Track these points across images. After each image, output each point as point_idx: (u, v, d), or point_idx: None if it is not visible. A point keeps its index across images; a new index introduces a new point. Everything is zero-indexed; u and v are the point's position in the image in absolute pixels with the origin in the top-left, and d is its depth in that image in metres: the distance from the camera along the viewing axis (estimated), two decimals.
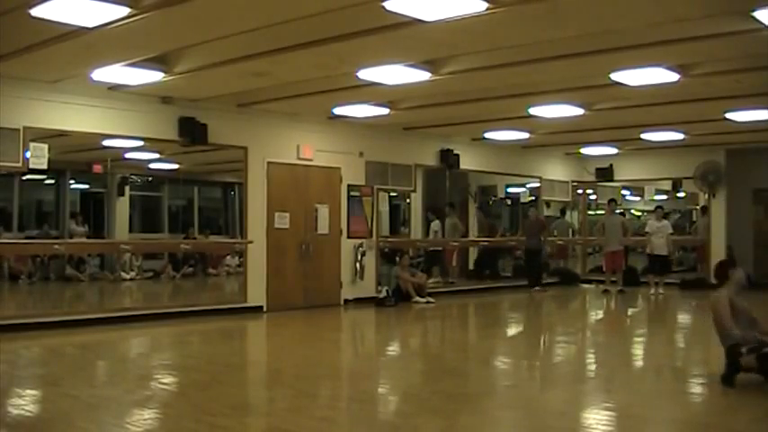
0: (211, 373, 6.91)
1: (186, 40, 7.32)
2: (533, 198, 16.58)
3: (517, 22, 6.50)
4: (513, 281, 15.44)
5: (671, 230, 14.19)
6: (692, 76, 8.32)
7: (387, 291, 12.19)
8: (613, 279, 14.37)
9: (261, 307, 11.04)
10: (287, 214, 11.41)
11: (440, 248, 15.42)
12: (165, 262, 15.90)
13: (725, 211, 15.22)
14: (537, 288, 14.29)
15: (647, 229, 14.32)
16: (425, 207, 15.84)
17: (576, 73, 8.52)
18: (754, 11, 6.06)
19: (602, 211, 18.55)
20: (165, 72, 8.23)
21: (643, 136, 13.32)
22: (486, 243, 16.65)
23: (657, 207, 14.96)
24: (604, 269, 14.92)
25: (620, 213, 15.82)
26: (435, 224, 15.32)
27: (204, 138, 10.36)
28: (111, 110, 9.60)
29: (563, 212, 17.66)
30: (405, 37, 6.85)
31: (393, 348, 9.39)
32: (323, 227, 11.88)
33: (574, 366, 7.72)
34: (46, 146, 9.14)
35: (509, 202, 19.30)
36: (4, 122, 8.65)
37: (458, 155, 13.93)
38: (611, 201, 14.84)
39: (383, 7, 5.87)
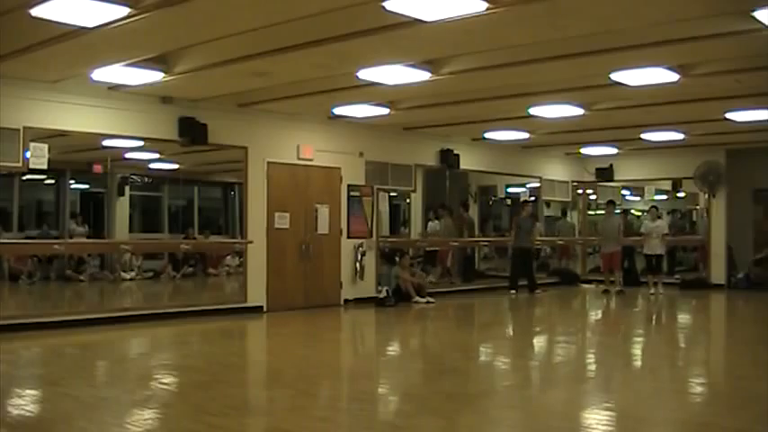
0: (211, 373, 6.92)
1: (186, 40, 7.32)
2: (533, 198, 16.53)
3: (517, 22, 6.50)
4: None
5: (666, 230, 14.18)
6: (692, 76, 8.32)
7: (387, 291, 12.19)
8: (612, 279, 14.33)
9: (261, 307, 11.05)
10: (287, 214, 11.41)
11: (436, 249, 15.32)
12: (165, 262, 15.90)
13: (725, 211, 15.23)
14: (538, 291, 14.13)
15: (642, 230, 14.31)
16: (426, 207, 15.82)
17: (576, 73, 8.52)
18: (754, 11, 6.06)
19: (603, 211, 18.60)
20: (165, 72, 8.23)
21: (643, 136, 13.32)
22: (486, 243, 16.68)
23: (652, 207, 14.93)
24: (602, 269, 14.93)
25: (623, 213, 15.76)
26: (433, 224, 15.24)
27: (204, 138, 10.36)
28: (111, 110, 9.60)
29: (564, 213, 17.66)
30: (405, 37, 6.85)
31: (393, 348, 9.39)
32: (323, 227, 11.88)
33: (574, 366, 7.72)
34: (46, 146, 9.13)
35: (509, 201, 19.30)
36: (4, 122, 8.65)
37: (458, 155, 13.93)
38: (610, 202, 14.79)
39: (383, 7, 5.87)
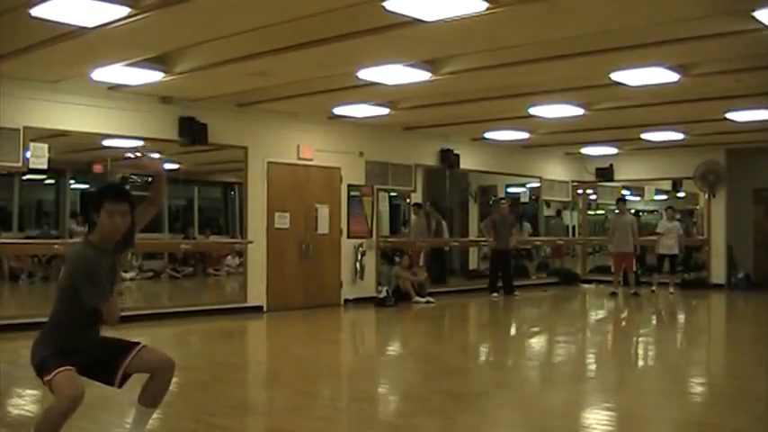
0: (212, 373, 6.91)
1: (186, 40, 7.32)
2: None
3: (517, 22, 6.51)
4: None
5: (681, 231, 14.21)
6: (692, 76, 8.33)
7: (387, 291, 12.20)
8: (619, 280, 14.09)
9: (261, 307, 11.05)
10: (287, 214, 11.42)
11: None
12: (165, 262, 15.89)
13: (725, 211, 15.23)
14: (516, 293, 13.74)
15: (658, 230, 14.27)
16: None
17: (576, 73, 8.52)
18: (754, 11, 6.07)
19: (602, 211, 18.58)
20: (165, 72, 8.23)
21: (643, 136, 13.32)
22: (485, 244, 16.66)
23: (668, 207, 14.93)
24: (613, 270, 14.34)
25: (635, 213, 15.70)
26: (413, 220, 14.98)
27: (204, 138, 10.37)
28: (111, 110, 9.61)
29: (558, 213, 17.67)
30: (405, 37, 6.85)
31: (393, 348, 9.39)
32: (323, 227, 11.88)
33: (574, 366, 7.72)
34: (46, 146, 9.14)
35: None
36: (4, 122, 8.65)
37: (458, 155, 13.93)
38: (620, 200, 14.45)
39: (383, 7, 5.88)
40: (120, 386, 3.89)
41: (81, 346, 3.71)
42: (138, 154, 4.09)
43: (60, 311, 3.73)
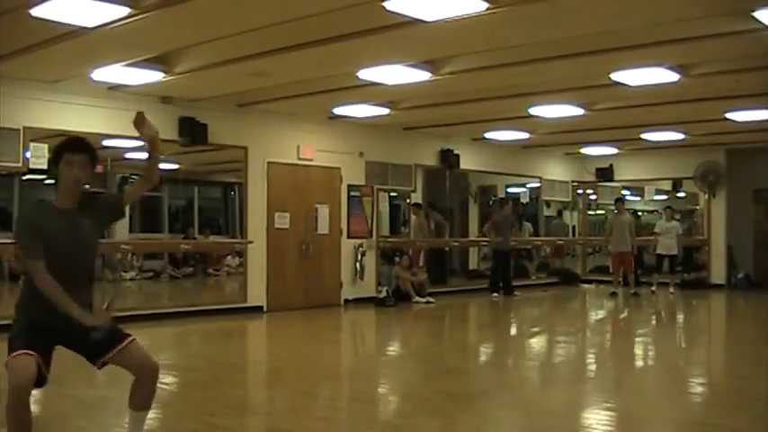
0: (212, 373, 6.91)
1: (186, 40, 7.32)
2: (535, 197, 16.48)
3: (517, 22, 6.51)
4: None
5: (680, 231, 14.20)
6: (692, 76, 8.33)
7: (387, 291, 12.19)
8: (619, 280, 14.11)
9: (261, 307, 11.05)
10: (287, 214, 11.42)
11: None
12: (165, 262, 15.89)
13: (725, 211, 15.23)
14: (516, 294, 13.71)
15: (656, 230, 14.26)
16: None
17: (576, 73, 8.52)
18: (754, 11, 6.07)
19: (602, 212, 18.58)
20: (165, 72, 8.23)
21: (643, 136, 13.32)
22: (485, 244, 16.68)
23: (667, 207, 14.90)
24: (612, 270, 14.36)
25: (633, 213, 15.69)
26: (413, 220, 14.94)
27: (204, 138, 10.37)
28: (111, 110, 9.58)
29: (560, 213, 17.67)
30: (405, 37, 6.85)
31: (393, 348, 9.39)
32: (323, 227, 11.89)
33: (574, 366, 7.72)
34: (46, 146, 9.13)
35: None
36: (4, 122, 8.65)
37: (458, 155, 13.93)
38: (619, 200, 14.46)
39: (383, 7, 5.88)
40: (99, 368, 3.81)
41: (56, 319, 3.52)
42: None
43: (27, 286, 3.59)
